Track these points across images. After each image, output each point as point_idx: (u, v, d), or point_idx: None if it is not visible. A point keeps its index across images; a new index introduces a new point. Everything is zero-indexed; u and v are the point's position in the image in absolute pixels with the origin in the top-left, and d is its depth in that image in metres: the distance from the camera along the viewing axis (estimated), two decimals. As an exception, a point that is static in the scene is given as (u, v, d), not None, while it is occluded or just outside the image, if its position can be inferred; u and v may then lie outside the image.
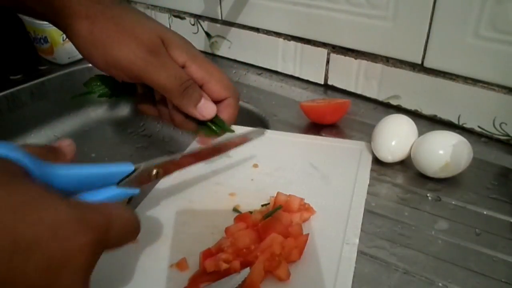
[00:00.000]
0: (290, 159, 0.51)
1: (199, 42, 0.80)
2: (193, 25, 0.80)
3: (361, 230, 0.41)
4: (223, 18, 0.75)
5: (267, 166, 0.50)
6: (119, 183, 0.31)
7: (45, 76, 0.73)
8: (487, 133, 0.55)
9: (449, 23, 0.52)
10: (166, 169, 0.36)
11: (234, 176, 0.49)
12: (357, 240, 0.40)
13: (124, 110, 0.80)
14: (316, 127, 0.58)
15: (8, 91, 0.68)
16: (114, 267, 0.37)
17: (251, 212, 0.42)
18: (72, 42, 0.38)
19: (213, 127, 0.42)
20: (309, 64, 0.68)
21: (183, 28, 0.80)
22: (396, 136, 0.48)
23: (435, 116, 0.58)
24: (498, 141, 0.54)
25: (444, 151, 0.45)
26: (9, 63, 0.73)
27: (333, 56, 0.65)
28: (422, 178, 0.48)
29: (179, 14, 0.81)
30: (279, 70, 0.73)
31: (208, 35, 0.79)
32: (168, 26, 0.74)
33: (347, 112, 0.58)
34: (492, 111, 0.53)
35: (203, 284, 0.35)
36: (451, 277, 0.37)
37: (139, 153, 0.73)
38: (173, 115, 0.41)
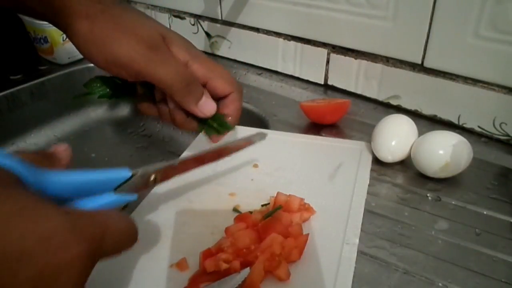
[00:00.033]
0: (290, 159, 0.51)
1: (199, 42, 0.80)
2: (193, 25, 0.80)
3: (361, 230, 0.41)
4: (223, 18, 0.75)
5: (267, 166, 0.50)
6: (116, 189, 0.31)
7: (45, 76, 0.73)
8: (487, 133, 0.55)
9: (449, 23, 0.52)
10: (164, 175, 0.35)
11: (234, 176, 0.49)
12: (357, 240, 0.40)
13: (124, 110, 0.80)
14: (316, 127, 0.58)
15: (8, 91, 0.68)
16: (114, 267, 0.37)
17: (251, 212, 0.42)
18: (72, 42, 0.38)
19: (214, 125, 0.42)
20: (309, 64, 0.68)
21: (183, 28, 0.80)
22: (396, 136, 0.48)
23: (435, 116, 0.58)
24: (498, 141, 0.54)
25: (444, 151, 0.45)
26: (9, 63, 0.73)
27: (333, 56, 0.65)
28: (422, 178, 0.48)
29: (179, 14, 0.81)
30: (279, 70, 0.73)
31: (208, 35, 0.79)
32: (168, 26, 0.74)
33: (347, 112, 0.58)
34: (492, 111, 0.53)
35: (203, 284, 0.35)
36: (451, 277, 0.37)
37: (139, 153, 0.73)
38: (174, 115, 0.41)
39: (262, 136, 0.44)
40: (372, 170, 0.49)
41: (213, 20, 0.76)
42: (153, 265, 0.38)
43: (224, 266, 0.35)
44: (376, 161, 0.50)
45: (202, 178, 0.48)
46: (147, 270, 0.37)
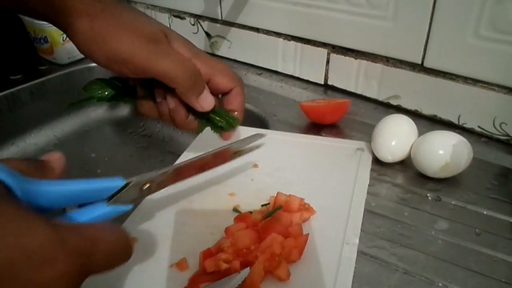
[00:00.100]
0: (290, 159, 0.51)
1: (199, 42, 0.80)
2: (193, 25, 0.80)
3: (361, 230, 0.41)
4: (223, 18, 0.75)
5: (267, 166, 0.50)
6: (110, 198, 0.30)
7: (45, 76, 0.73)
8: (487, 133, 0.55)
9: (449, 23, 0.52)
10: (159, 184, 0.34)
11: (234, 176, 0.49)
12: (357, 240, 0.40)
13: (124, 110, 0.80)
14: (316, 127, 0.58)
15: (8, 91, 0.68)
16: (114, 267, 0.37)
17: (251, 212, 0.42)
18: (73, 41, 0.38)
19: (220, 123, 0.42)
20: (309, 64, 0.68)
21: (183, 28, 0.80)
22: (396, 136, 0.48)
23: (435, 116, 0.58)
24: (498, 141, 0.54)
25: (444, 151, 0.45)
26: (9, 63, 0.73)
27: (333, 56, 0.65)
28: (422, 178, 0.48)
29: (179, 14, 0.81)
30: (279, 70, 0.73)
31: (208, 35, 0.79)
32: (168, 26, 0.74)
33: (347, 112, 0.58)
34: (492, 111, 0.53)
35: (203, 284, 0.35)
36: (451, 277, 0.37)
37: (139, 153, 0.73)
38: (174, 116, 0.41)
39: (260, 137, 0.43)
40: (372, 170, 0.49)
41: (213, 20, 0.76)
42: (153, 265, 0.38)
43: (224, 266, 0.35)
44: (376, 161, 0.50)
45: (202, 178, 0.48)
46: (147, 270, 0.37)
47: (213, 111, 0.42)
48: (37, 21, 0.73)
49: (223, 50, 0.78)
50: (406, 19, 0.55)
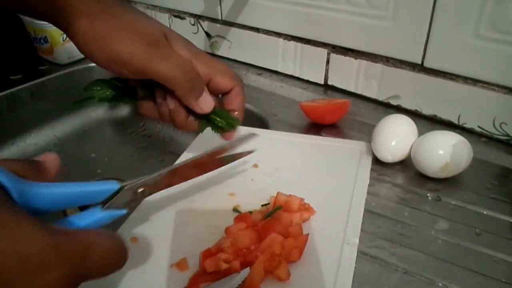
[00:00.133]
0: (290, 159, 0.51)
1: (199, 42, 0.80)
2: (193, 25, 0.80)
3: (361, 230, 0.41)
4: (223, 18, 0.75)
5: (267, 166, 0.50)
6: (104, 202, 0.30)
7: (45, 76, 0.73)
8: (487, 133, 0.55)
9: (449, 23, 0.52)
10: (154, 187, 0.34)
11: (234, 176, 0.49)
12: (357, 240, 0.40)
13: (124, 110, 0.80)
14: (316, 127, 0.58)
15: (8, 91, 0.68)
16: (114, 267, 0.37)
17: (251, 212, 0.42)
18: (73, 41, 0.38)
19: (220, 123, 0.42)
20: (309, 64, 0.68)
21: (183, 28, 0.80)
22: (396, 136, 0.48)
23: (435, 116, 0.58)
24: (498, 141, 0.54)
25: (444, 151, 0.45)
26: (9, 63, 0.73)
27: (333, 56, 0.65)
28: (422, 178, 0.48)
29: (179, 14, 0.81)
30: (279, 70, 0.73)
31: (208, 35, 0.79)
32: (168, 26, 0.74)
33: (347, 112, 0.58)
34: (492, 111, 0.53)
35: (203, 284, 0.35)
36: (451, 277, 0.37)
37: (139, 153, 0.73)
38: (174, 116, 0.41)
39: (252, 137, 0.43)
40: (372, 170, 0.49)
41: (213, 20, 0.76)
42: (153, 265, 0.38)
43: (224, 266, 0.35)
44: (376, 161, 0.50)
45: (202, 178, 0.48)
46: (147, 270, 0.37)
47: (213, 111, 0.42)
48: (37, 21, 0.73)
49: (223, 50, 0.78)
50: (406, 19, 0.55)
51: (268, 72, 0.74)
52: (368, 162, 0.50)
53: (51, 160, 0.29)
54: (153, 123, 0.76)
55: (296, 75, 0.71)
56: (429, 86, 0.57)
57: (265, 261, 0.35)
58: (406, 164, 0.50)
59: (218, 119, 0.42)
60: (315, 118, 0.59)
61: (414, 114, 0.59)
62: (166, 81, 0.38)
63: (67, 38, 0.74)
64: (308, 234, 0.39)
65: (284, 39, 0.69)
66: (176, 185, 0.46)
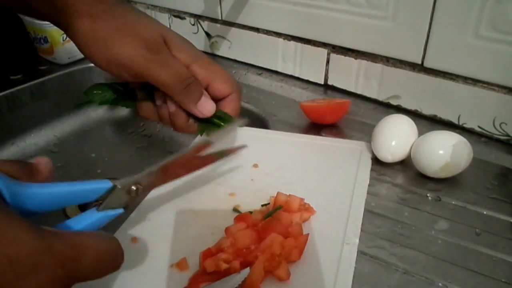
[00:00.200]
0: (290, 159, 0.51)
1: (199, 42, 0.80)
2: (193, 25, 0.80)
3: (361, 230, 0.41)
4: (223, 18, 0.75)
5: (267, 166, 0.50)
6: (99, 201, 0.30)
7: (45, 76, 0.73)
8: (487, 133, 0.55)
9: (449, 23, 0.52)
10: (147, 185, 0.34)
11: (234, 176, 0.49)
12: (357, 240, 0.40)
13: (124, 110, 0.80)
14: (316, 127, 0.58)
15: (8, 91, 0.68)
16: (114, 267, 0.37)
17: (251, 212, 0.42)
18: (73, 41, 0.38)
19: (216, 120, 0.42)
20: (309, 64, 0.68)
21: (183, 28, 0.80)
22: (396, 136, 0.48)
23: (435, 116, 0.58)
24: (498, 141, 0.54)
25: (444, 151, 0.45)
26: (9, 63, 0.73)
27: (333, 56, 0.65)
28: (422, 178, 0.48)
29: (179, 14, 0.81)
30: (279, 70, 0.73)
31: (208, 35, 0.79)
32: (168, 26, 0.74)
33: (347, 112, 0.58)
34: (492, 111, 0.53)
35: (203, 284, 0.35)
36: (451, 277, 0.37)
37: (139, 153, 0.73)
38: (174, 119, 0.42)
39: (242, 148, 0.44)
40: (372, 170, 0.49)
41: (213, 20, 0.76)
42: (153, 265, 0.38)
43: (224, 266, 0.35)
44: (376, 161, 0.50)
45: (202, 178, 0.48)
46: (147, 270, 0.37)
47: (214, 114, 0.42)
48: (37, 21, 0.73)
49: (223, 50, 0.78)
50: (406, 19, 0.55)
51: (268, 72, 0.74)
52: (368, 162, 0.50)
53: (43, 162, 0.29)
54: (153, 123, 0.76)
55: (296, 75, 0.71)
56: (429, 86, 0.57)
57: (265, 261, 0.35)
58: (406, 164, 0.50)
59: (217, 121, 0.42)
60: (315, 118, 0.59)
61: (414, 114, 0.59)
62: (162, 87, 0.38)
63: (67, 38, 0.74)
64: (308, 234, 0.39)
65: (284, 39, 0.69)
66: (176, 185, 0.46)
